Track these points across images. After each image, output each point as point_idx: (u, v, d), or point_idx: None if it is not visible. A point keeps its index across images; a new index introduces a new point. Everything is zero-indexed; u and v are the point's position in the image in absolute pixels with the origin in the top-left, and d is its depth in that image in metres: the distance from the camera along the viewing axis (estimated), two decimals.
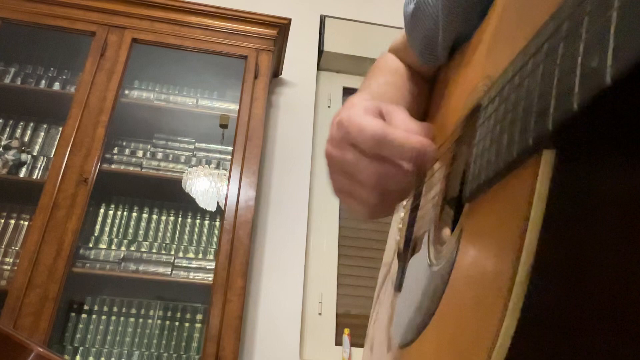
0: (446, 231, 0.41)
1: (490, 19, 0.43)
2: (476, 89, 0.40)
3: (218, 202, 2.11)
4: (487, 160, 0.30)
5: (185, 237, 2.18)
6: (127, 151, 2.27)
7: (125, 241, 2.09)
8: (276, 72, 2.45)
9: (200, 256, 2.10)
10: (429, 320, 0.35)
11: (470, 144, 0.36)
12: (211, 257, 2.09)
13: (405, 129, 0.42)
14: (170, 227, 2.20)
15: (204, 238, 2.20)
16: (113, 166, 2.15)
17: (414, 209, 0.54)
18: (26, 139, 2.23)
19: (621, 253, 0.22)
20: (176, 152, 2.31)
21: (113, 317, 2.00)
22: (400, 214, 0.62)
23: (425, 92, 0.63)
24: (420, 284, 0.41)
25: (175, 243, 2.15)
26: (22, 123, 2.27)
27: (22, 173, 2.13)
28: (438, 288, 0.35)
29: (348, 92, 2.63)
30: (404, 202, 0.60)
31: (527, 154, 0.24)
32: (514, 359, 0.22)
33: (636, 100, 0.20)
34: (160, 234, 2.17)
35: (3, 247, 2.00)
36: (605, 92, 0.18)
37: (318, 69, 2.63)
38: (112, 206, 2.19)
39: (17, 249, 1.99)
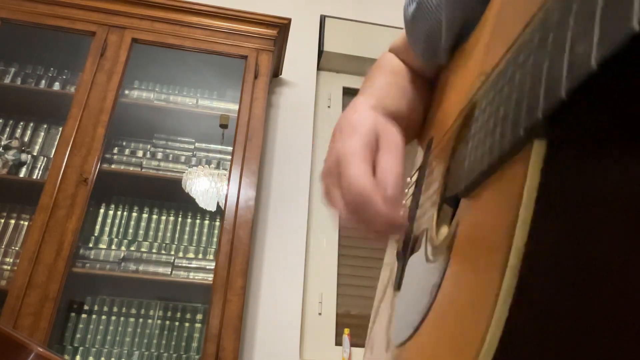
0: (444, 229, 0.41)
1: (488, 17, 0.43)
2: (474, 86, 0.40)
3: (218, 202, 2.11)
4: (481, 153, 0.30)
5: (185, 237, 2.18)
6: (127, 151, 2.27)
7: (125, 241, 2.09)
8: (276, 72, 2.45)
9: (200, 256, 2.10)
10: (425, 316, 0.35)
11: (467, 141, 0.36)
12: (211, 257, 2.09)
13: (387, 180, 0.45)
14: (170, 227, 2.20)
15: (204, 238, 2.20)
16: (113, 166, 2.15)
17: (414, 208, 0.54)
18: (26, 139, 2.23)
19: (612, 245, 0.22)
20: (176, 152, 2.31)
21: (113, 317, 2.00)
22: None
23: (426, 93, 0.63)
24: (418, 282, 0.41)
25: (175, 243, 2.15)
26: (22, 123, 2.27)
27: (22, 173, 2.13)
28: (434, 284, 0.35)
29: (348, 92, 2.63)
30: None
31: (520, 145, 0.24)
32: (507, 347, 0.22)
33: (624, 91, 0.20)
34: (160, 234, 2.17)
35: (3, 247, 2.00)
36: (592, 77, 0.18)
37: (318, 69, 2.63)
38: (112, 206, 2.20)
39: (17, 249, 1.99)
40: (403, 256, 0.52)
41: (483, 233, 0.29)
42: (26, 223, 2.07)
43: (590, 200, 0.23)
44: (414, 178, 0.58)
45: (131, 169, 2.18)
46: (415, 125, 0.63)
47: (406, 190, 0.62)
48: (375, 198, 0.43)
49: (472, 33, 0.48)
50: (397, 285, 0.51)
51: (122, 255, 2.00)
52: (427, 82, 0.64)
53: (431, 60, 0.59)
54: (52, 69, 2.35)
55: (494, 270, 0.24)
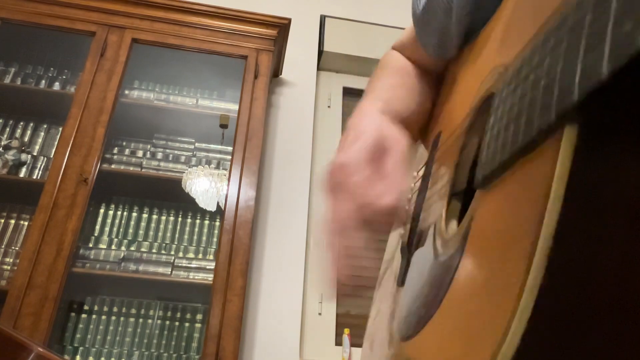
0: (453, 223, 0.41)
1: (503, 11, 0.43)
2: (488, 79, 0.39)
3: (218, 202, 2.11)
4: (503, 142, 0.28)
5: (185, 237, 2.18)
6: (127, 151, 2.27)
7: (125, 241, 2.08)
8: (276, 72, 2.45)
9: (200, 256, 2.10)
10: (434, 312, 0.34)
11: (481, 133, 0.35)
12: (211, 257, 2.09)
13: (388, 183, 0.45)
14: (170, 227, 2.19)
15: (204, 238, 2.19)
16: (113, 166, 2.15)
17: (420, 203, 0.53)
18: (26, 139, 2.23)
19: None
20: (176, 152, 2.31)
21: (113, 317, 2.00)
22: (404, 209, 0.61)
23: (434, 89, 0.63)
24: (425, 276, 0.41)
25: (175, 243, 2.15)
26: (22, 123, 2.26)
27: (22, 173, 2.12)
28: (445, 278, 0.35)
29: (348, 92, 2.63)
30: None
31: (549, 131, 0.23)
32: (526, 346, 0.22)
33: None
34: (160, 234, 2.17)
35: (3, 247, 1.99)
36: (638, 56, 0.17)
37: (318, 69, 2.63)
38: (112, 206, 2.19)
39: (17, 249, 1.99)
40: (408, 251, 0.52)
41: (505, 225, 0.28)
42: (26, 223, 2.06)
43: (624, 191, 0.21)
44: (421, 173, 0.58)
45: (131, 169, 2.18)
46: (421, 123, 0.62)
47: (412, 185, 0.61)
48: (369, 194, 0.44)
49: (482, 30, 0.48)
50: (401, 281, 0.51)
51: (122, 255, 1.99)
52: (434, 78, 0.63)
53: (442, 54, 0.58)
54: (52, 69, 2.35)
55: (517, 264, 0.23)
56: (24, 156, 2.13)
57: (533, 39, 0.28)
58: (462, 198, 0.42)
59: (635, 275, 0.21)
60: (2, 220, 2.06)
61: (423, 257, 0.45)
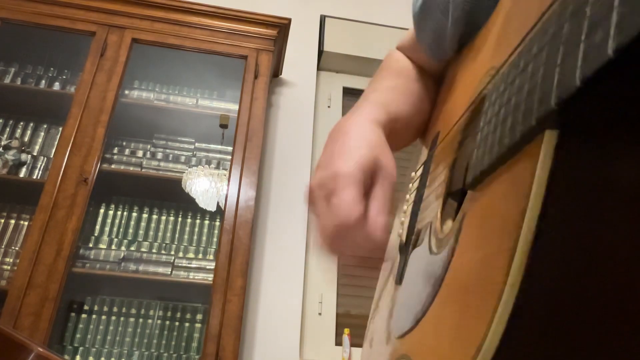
0: (449, 222, 0.41)
1: (499, 13, 0.43)
2: (482, 81, 0.40)
3: (218, 202, 2.11)
4: (491, 144, 0.29)
5: (185, 237, 2.18)
6: (127, 151, 2.27)
7: (125, 241, 2.08)
8: (276, 72, 2.45)
9: (200, 256, 2.10)
10: (428, 308, 0.35)
11: (475, 134, 0.36)
12: (211, 257, 2.09)
13: (377, 219, 0.45)
14: (170, 227, 2.19)
15: (204, 238, 2.20)
16: (113, 166, 2.15)
17: (417, 202, 0.54)
18: (26, 139, 2.23)
19: (623, 242, 0.22)
20: (176, 152, 2.31)
21: (113, 317, 2.00)
22: (403, 208, 0.62)
23: (433, 91, 0.63)
24: (421, 274, 0.41)
25: (175, 243, 2.15)
26: (22, 123, 2.27)
27: (22, 173, 2.12)
28: (438, 275, 0.35)
29: (348, 92, 2.63)
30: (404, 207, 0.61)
31: (531, 135, 0.24)
32: (508, 341, 0.22)
33: (636, 81, 0.20)
34: (160, 234, 2.17)
35: (3, 247, 1.99)
36: (608, 65, 0.18)
37: (318, 69, 2.63)
38: (112, 206, 2.19)
39: (17, 249, 1.99)
40: (405, 250, 0.52)
41: (490, 224, 0.28)
42: (26, 223, 2.06)
43: (600, 191, 0.22)
44: (419, 172, 0.58)
45: (131, 169, 2.18)
46: (419, 125, 0.62)
47: (410, 185, 0.62)
48: (359, 227, 0.44)
49: (480, 30, 0.48)
50: (399, 279, 0.51)
51: (122, 255, 1.99)
52: (435, 80, 0.64)
53: (437, 55, 0.59)
54: (52, 69, 2.35)
55: (500, 261, 0.24)
56: (24, 156, 2.13)
57: (522, 43, 0.29)
58: (458, 198, 0.42)
59: (615, 265, 0.22)
60: (2, 220, 2.07)
61: (419, 256, 0.45)
